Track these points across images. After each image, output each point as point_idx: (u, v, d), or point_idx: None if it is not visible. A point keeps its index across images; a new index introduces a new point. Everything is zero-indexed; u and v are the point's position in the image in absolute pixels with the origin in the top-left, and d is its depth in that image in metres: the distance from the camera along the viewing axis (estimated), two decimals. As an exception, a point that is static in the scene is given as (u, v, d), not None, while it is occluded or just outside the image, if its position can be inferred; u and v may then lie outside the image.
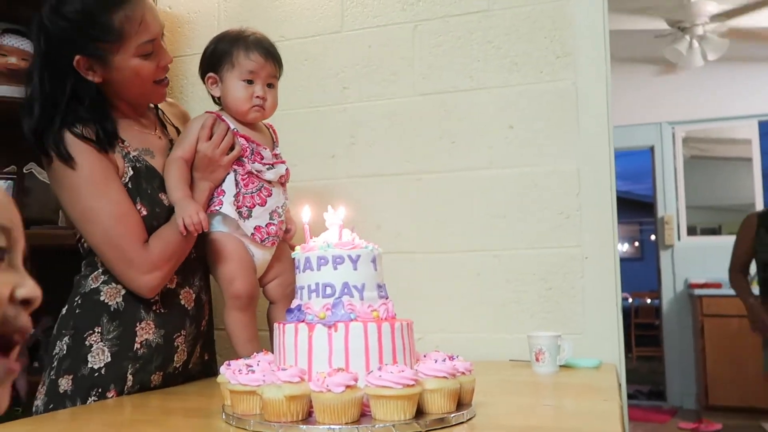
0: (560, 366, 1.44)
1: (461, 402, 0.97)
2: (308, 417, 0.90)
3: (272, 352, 1.06)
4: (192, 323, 1.34)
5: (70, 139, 1.19)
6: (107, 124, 1.24)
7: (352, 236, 1.05)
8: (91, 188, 1.20)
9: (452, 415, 0.92)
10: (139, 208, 1.24)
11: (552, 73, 1.73)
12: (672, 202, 5.11)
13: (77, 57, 1.19)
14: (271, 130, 1.47)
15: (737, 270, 3.15)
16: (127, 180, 1.25)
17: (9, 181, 1.69)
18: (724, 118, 5.03)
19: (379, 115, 1.87)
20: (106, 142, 1.22)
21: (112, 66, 1.21)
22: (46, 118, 1.19)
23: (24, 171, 1.76)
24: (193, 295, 1.35)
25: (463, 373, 0.98)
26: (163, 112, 1.45)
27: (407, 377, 0.88)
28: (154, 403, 1.18)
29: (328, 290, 0.99)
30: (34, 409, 1.21)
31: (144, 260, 1.21)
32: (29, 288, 0.59)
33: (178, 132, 1.44)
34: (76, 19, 1.18)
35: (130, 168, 1.26)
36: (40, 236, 1.64)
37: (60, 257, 1.30)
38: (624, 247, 10.65)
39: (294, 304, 1.03)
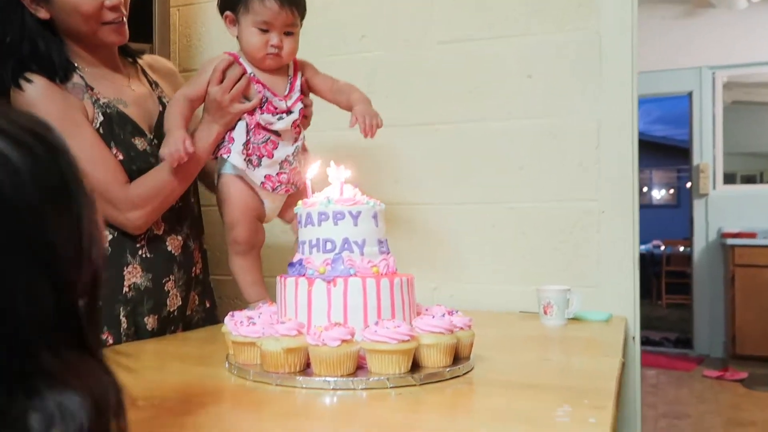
0: (569, 319, 1.44)
1: (459, 356, 0.99)
2: (306, 368, 0.93)
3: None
4: (180, 269, 1.38)
5: (30, 76, 1.20)
6: (54, 53, 1.23)
7: (353, 192, 1.05)
8: (63, 132, 1.21)
9: (447, 369, 0.93)
10: (114, 153, 1.26)
11: (574, 20, 1.67)
12: (709, 150, 4.96)
13: None
14: (293, 64, 1.38)
15: None
16: (98, 126, 1.26)
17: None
18: (768, 62, 4.79)
19: (398, 65, 1.84)
20: (58, 68, 1.22)
21: (53, 1, 1.21)
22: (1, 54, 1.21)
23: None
24: (181, 242, 1.39)
25: (462, 328, 0.99)
26: (143, 69, 1.45)
27: (403, 333, 0.90)
28: (170, 348, 1.23)
29: (329, 245, 1.00)
30: None
31: (124, 199, 1.23)
32: None
33: (157, 86, 1.45)
34: None
35: (100, 113, 1.27)
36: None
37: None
38: (660, 194, 10.44)
39: (295, 258, 1.05)
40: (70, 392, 0.46)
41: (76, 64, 1.29)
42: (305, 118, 1.37)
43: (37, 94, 1.19)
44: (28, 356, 0.45)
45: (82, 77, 1.28)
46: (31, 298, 0.46)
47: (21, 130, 0.48)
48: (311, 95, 1.41)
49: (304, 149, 1.39)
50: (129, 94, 1.35)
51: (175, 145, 1.20)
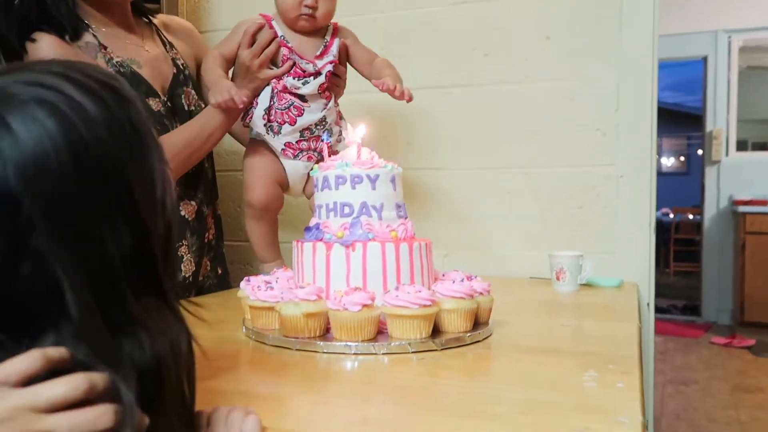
0: (581, 285, 1.43)
1: (478, 321, 0.98)
2: (326, 333, 0.92)
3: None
4: (193, 234, 1.38)
5: (37, 36, 1.18)
6: (63, 11, 1.21)
7: (371, 155, 1.03)
8: None
9: (468, 334, 0.92)
10: None
11: (594, -22, 1.61)
12: (722, 116, 4.87)
13: None
14: (331, 28, 1.33)
15: None
16: None
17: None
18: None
19: (411, 26, 1.79)
20: (68, 26, 1.21)
21: None
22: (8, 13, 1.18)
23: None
24: (195, 207, 1.38)
25: (481, 293, 0.98)
26: (158, 29, 1.43)
27: (424, 297, 0.89)
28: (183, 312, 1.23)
29: (347, 209, 0.99)
30: None
31: None
32: None
33: (172, 46, 1.42)
34: None
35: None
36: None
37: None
38: (669, 162, 10.34)
39: (312, 222, 1.03)
40: (149, 336, 0.48)
41: (88, 24, 1.26)
42: (337, 87, 1.34)
43: (47, 52, 1.17)
44: (115, 297, 0.47)
45: (95, 36, 1.26)
46: (115, 241, 0.47)
47: (93, 82, 0.50)
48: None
49: (339, 116, 1.36)
50: (143, 54, 1.33)
51: (223, 95, 1.19)
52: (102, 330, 0.46)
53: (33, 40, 1.17)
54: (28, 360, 0.44)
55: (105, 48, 1.26)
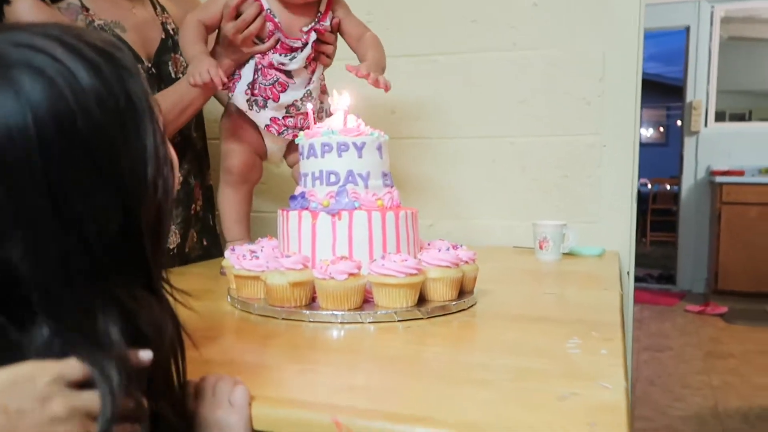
0: (564, 254, 1.45)
1: (464, 290, 0.99)
2: (311, 302, 0.92)
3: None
4: (179, 206, 1.36)
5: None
6: None
7: (357, 122, 1.01)
8: None
9: (453, 302, 0.93)
10: None
11: (582, -56, 1.59)
12: (702, 87, 4.90)
13: None
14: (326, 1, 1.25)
15: None
16: None
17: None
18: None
19: (396, -9, 1.76)
20: None
21: None
22: None
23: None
24: (180, 179, 1.36)
25: (467, 262, 0.99)
26: None
27: (410, 266, 0.89)
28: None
29: (332, 178, 0.98)
30: None
31: None
32: None
33: (163, 10, 1.37)
34: None
35: None
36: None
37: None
38: (648, 133, 10.41)
39: (297, 191, 1.02)
40: (132, 319, 0.47)
41: None
42: (327, 56, 1.28)
43: (22, 13, 1.13)
44: (92, 278, 0.46)
45: None
46: (96, 219, 0.46)
47: (90, 48, 0.47)
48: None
49: (323, 90, 1.32)
50: (130, 18, 1.28)
51: (203, 76, 1.12)
52: (75, 314, 0.45)
53: (8, 3, 1.13)
54: (85, 367, 0.45)
55: (87, 10, 1.21)
